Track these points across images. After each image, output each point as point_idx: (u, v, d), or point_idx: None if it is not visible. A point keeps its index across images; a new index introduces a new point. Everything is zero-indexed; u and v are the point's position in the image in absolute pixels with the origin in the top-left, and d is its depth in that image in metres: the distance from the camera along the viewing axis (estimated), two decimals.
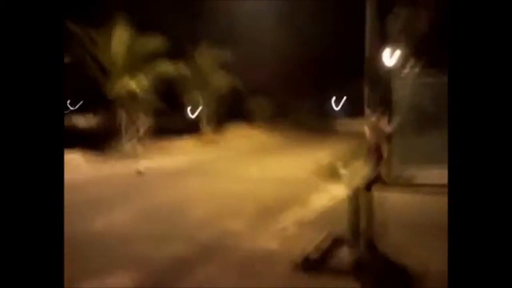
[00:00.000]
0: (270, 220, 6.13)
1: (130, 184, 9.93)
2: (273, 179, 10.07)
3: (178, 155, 15.62)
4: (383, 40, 9.52)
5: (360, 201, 4.94)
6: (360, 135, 21.34)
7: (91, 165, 13.49)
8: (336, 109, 42.37)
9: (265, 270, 4.26)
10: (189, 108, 22.77)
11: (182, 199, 7.96)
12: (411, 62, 9.27)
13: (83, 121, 22.97)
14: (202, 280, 4.04)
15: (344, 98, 42.21)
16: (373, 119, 9.58)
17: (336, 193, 8.02)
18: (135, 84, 16.24)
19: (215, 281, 4.05)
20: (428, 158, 7.99)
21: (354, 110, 39.41)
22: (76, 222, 5.96)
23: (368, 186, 7.85)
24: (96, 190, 9.03)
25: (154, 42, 16.45)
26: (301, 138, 22.89)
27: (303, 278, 4.04)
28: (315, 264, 4.26)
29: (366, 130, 10.00)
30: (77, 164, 13.23)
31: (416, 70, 8.73)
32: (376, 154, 9.24)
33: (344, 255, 4.48)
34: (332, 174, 10.19)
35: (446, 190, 1.88)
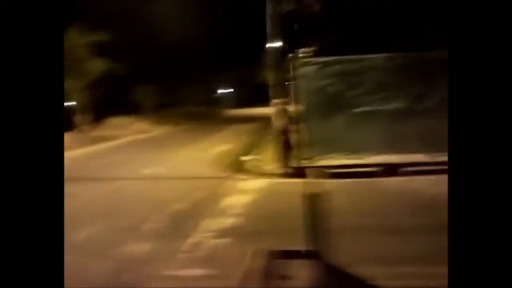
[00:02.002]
0: (185, 233, 4.78)
1: None
2: (174, 177, 8.68)
3: None
4: (280, 26, 9.14)
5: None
6: (255, 123, 21.22)
7: None
8: (226, 97, 42.10)
9: None
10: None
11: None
12: (308, 46, 8.97)
13: None
14: None
15: (234, 86, 42.18)
16: (278, 105, 9.19)
17: (250, 187, 7.13)
18: None
19: None
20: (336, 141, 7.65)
21: (245, 98, 39.67)
22: None
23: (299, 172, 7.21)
24: None
25: None
26: (194, 128, 21.72)
27: None
28: None
29: (273, 116, 9.52)
30: None
31: (312, 54, 8.41)
32: (284, 140, 8.78)
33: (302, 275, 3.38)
34: (237, 166, 9.31)
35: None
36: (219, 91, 42.74)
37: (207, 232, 4.75)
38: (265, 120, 22.59)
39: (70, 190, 7.83)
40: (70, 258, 4.20)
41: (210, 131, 19.09)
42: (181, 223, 5.22)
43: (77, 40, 17.72)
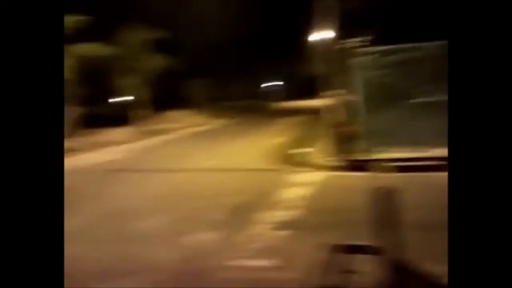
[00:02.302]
0: (246, 224, 4.91)
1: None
2: (230, 169, 8.90)
3: (115, 148, 13.82)
4: (330, 16, 9.00)
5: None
6: (305, 116, 21.09)
7: None
8: (275, 90, 42.10)
9: None
10: (120, 94, 20.71)
11: (128, 205, 6.48)
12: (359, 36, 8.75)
13: None
14: None
15: (282, 79, 42.07)
16: (331, 97, 9.09)
17: (307, 180, 7.15)
18: None
19: None
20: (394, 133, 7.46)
21: (294, 91, 39.53)
22: None
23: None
24: None
25: (73, 22, 14.30)
26: (245, 121, 21.98)
27: None
28: None
29: (326, 109, 9.43)
30: None
31: (368, 43, 8.18)
32: (338, 133, 8.68)
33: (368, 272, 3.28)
34: (292, 158, 9.35)
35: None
36: (268, 84, 42.83)
37: (268, 224, 4.85)
38: (315, 112, 22.45)
39: (131, 181, 8.34)
40: (140, 246, 4.52)
41: (261, 124, 19.26)
42: (241, 214, 5.35)
43: (136, 38, 18.58)
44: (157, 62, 19.07)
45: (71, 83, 14.80)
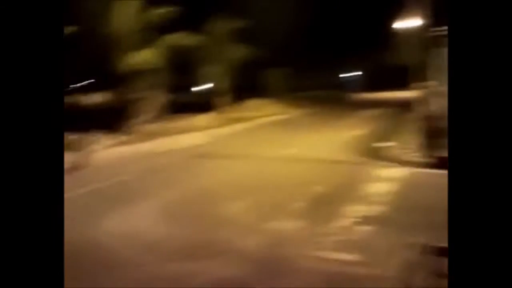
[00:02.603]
0: (329, 216, 4.87)
1: (149, 169, 8.89)
2: (312, 159, 8.85)
3: (199, 134, 14.47)
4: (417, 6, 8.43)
5: None
6: (386, 108, 20.11)
7: (109, 148, 12.49)
8: (353, 81, 40.83)
9: None
10: (203, 83, 21.56)
11: (214, 190, 6.75)
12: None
13: (93, 101, 21.86)
14: None
15: (362, 70, 40.62)
16: (419, 88, 8.56)
17: (391, 175, 6.88)
18: (146, 57, 15.05)
19: None
20: None
21: (373, 81, 38.06)
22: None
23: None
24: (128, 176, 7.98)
25: (164, 13, 15.15)
26: (323, 112, 21.64)
27: None
28: None
29: (413, 101, 8.94)
30: (93, 147, 12.25)
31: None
32: (427, 127, 8.17)
33: None
34: (374, 152, 9.04)
35: None
36: (348, 74, 41.64)
37: (351, 218, 4.78)
38: (398, 104, 21.36)
39: (215, 166, 8.70)
40: (225, 228, 4.71)
41: (340, 115, 18.84)
42: (324, 206, 5.34)
43: (222, 28, 19.20)
44: (239, 51, 19.52)
45: (160, 71, 15.73)
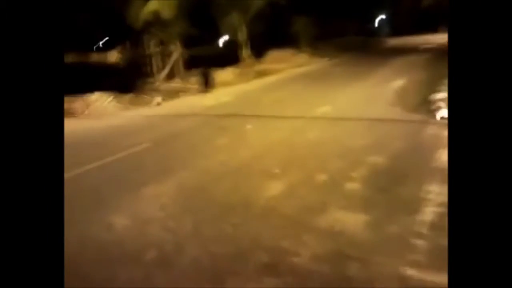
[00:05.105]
0: (408, 203, 3.70)
1: (174, 133, 8.09)
2: (354, 119, 7.73)
3: (226, 90, 13.45)
4: None
5: None
6: (425, 53, 18.46)
7: (125, 109, 11.75)
8: (383, 25, 38.38)
9: None
10: (225, 34, 20.21)
11: (252, 152, 5.91)
12: None
13: (110, 58, 20.92)
14: None
15: (391, 13, 38.04)
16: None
17: None
18: (162, 6, 13.86)
19: None
20: None
21: (404, 25, 35.65)
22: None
23: None
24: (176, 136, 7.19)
25: None
26: (354, 60, 20.11)
27: None
28: None
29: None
30: (106, 106, 11.54)
31: None
32: None
33: None
34: (428, 107, 7.85)
35: None
36: (376, 19, 39.08)
37: (441, 207, 3.57)
38: (435, 50, 19.59)
39: (245, 126, 7.75)
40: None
41: (374, 63, 17.26)
42: (394, 186, 4.15)
43: None
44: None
45: (176, 23, 14.56)
